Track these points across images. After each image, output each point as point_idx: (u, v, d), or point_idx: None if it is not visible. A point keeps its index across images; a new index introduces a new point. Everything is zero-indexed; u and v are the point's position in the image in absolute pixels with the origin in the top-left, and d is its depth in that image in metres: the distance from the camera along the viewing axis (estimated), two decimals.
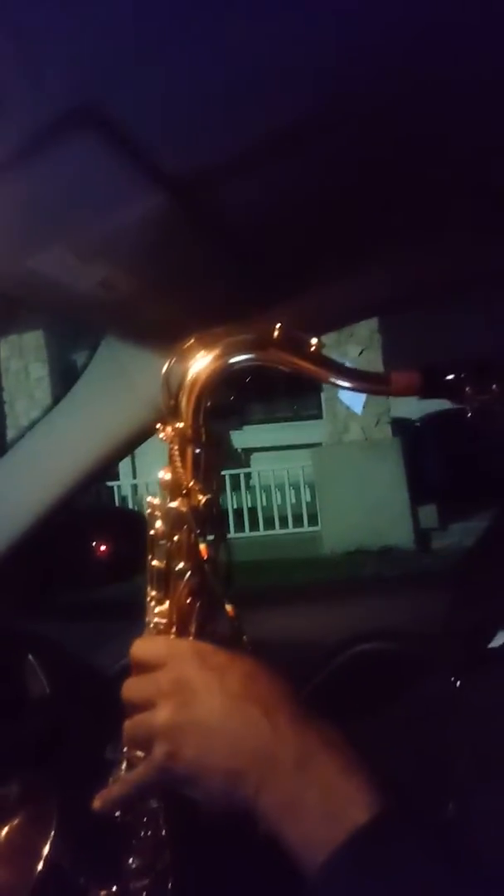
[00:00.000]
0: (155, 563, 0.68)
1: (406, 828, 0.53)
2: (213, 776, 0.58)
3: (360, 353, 8.20)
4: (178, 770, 0.59)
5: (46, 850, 0.69)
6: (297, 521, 8.84)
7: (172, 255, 0.74)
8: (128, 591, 1.46)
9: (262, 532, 8.76)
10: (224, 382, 0.69)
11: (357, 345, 8.05)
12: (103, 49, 0.45)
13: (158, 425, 0.68)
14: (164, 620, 0.67)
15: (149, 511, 0.67)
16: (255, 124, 0.56)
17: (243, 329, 0.67)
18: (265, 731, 0.57)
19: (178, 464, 0.67)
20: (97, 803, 0.64)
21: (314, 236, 0.78)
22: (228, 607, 0.66)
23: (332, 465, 8.34)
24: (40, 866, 0.68)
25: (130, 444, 1.09)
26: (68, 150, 0.52)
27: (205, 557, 0.66)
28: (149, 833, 0.68)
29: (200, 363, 0.66)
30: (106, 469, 1.14)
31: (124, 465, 9.39)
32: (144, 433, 1.06)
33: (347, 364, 0.68)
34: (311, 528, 8.62)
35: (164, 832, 0.68)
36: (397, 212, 0.78)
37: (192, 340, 0.67)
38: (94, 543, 1.34)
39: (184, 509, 0.66)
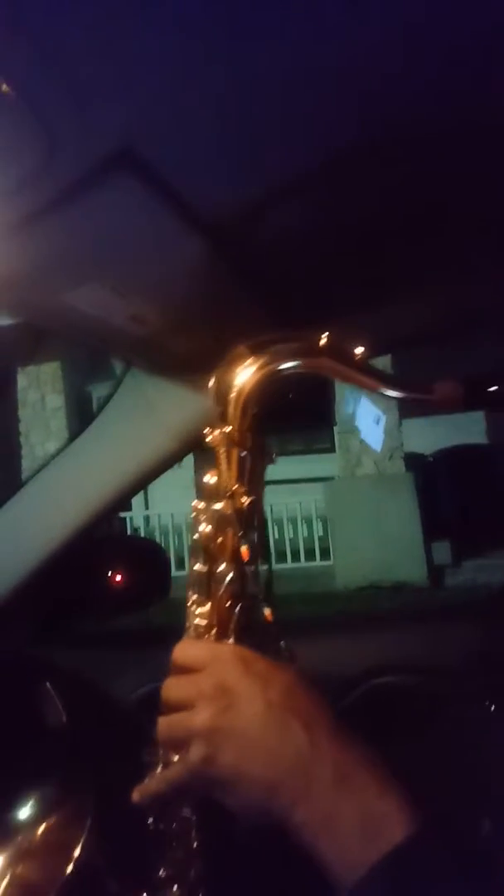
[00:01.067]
0: (197, 566, 0.69)
1: (443, 847, 0.53)
2: (250, 785, 0.58)
3: None
4: (213, 774, 0.59)
5: (78, 850, 0.69)
6: (310, 555, 8.78)
7: (200, 291, 0.76)
8: (143, 620, 1.47)
9: (273, 565, 8.68)
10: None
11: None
12: (143, 96, 0.48)
13: (206, 429, 0.69)
14: (204, 622, 0.68)
15: (193, 515, 0.69)
16: (283, 166, 0.59)
17: (291, 337, 0.69)
18: (304, 744, 0.57)
19: (224, 467, 0.68)
20: (136, 796, 0.65)
21: (336, 272, 0.80)
22: (267, 611, 0.67)
23: (345, 499, 8.31)
24: (70, 869, 0.68)
25: (152, 474, 1.11)
26: (107, 190, 0.55)
27: (246, 560, 0.67)
28: (181, 843, 0.68)
29: (249, 369, 0.68)
30: (127, 498, 1.16)
31: (137, 497, 9.40)
32: (166, 463, 1.08)
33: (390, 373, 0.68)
34: (323, 563, 8.56)
35: (196, 843, 0.68)
36: (418, 248, 0.80)
37: (242, 347, 0.69)
38: (110, 573, 1.35)
39: (228, 511, 0.67)
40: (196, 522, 0.69)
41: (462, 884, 0.51)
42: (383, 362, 8.10)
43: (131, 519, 9.75)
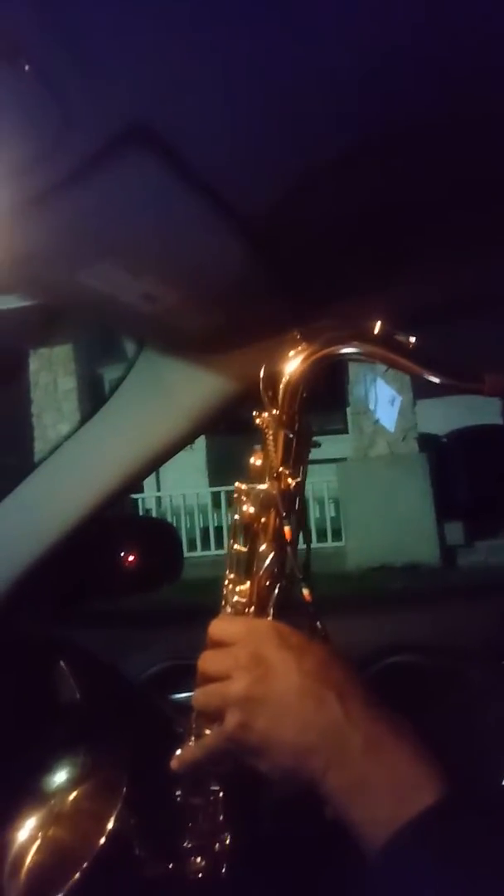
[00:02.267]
0: (237, 547, 0.71)
1: (472, 809, 0.54)
2: (283, 751, 0.60)
3: (387, 369, 8.18)
4: (249, 740, 0.61)
5: (112, 820, 0.71)
6: (322, 536, 8.80)
7: (214, 269, 0.76)
8: (155, 600, 1.48)
9: None
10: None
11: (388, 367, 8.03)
12: (159, 71, 0.47)
13: (255, 412, 0.71)
14: (243, 600, 0.70)
15: (235, 495, 0.71)
16: (301, 145, 0.58)
17: (344, 325, 0.70)
18: (338, 713, 0.59)
19: (272, 448, 0.70)
20: (174, 764, 0.67)
21: (351, 252, 0.80)
22: (305, 592, 0.68)
23: (358, 481, 8.31)
24: (105, 835, 0.70)
25: (165, 455, 1.11)
26: (121, 166, 0.54)
27: (288, 540, 0.68)
28: (207, 816, 0.70)
29: (301, 355, 0.69)
30: (140, 479, 1.16)
31: (149, 478, 9.44)
32: (179, 444, 1.08)
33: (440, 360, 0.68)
34: (335, 544, 8.58)
35: (222, 817, 0.70)
36: (431, 228, 0.79)
37: (295, 333, 0.70)
38: (122, 553, 1.36)
39: (273, 492, 0.68)
40: (238, 503, 0.70)
41: (493, 841, 0.52)
42: None
43: (143, 500, 9.81)
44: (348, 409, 9.29)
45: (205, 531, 9.36)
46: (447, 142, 0.60)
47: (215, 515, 9.36)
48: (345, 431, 9.81)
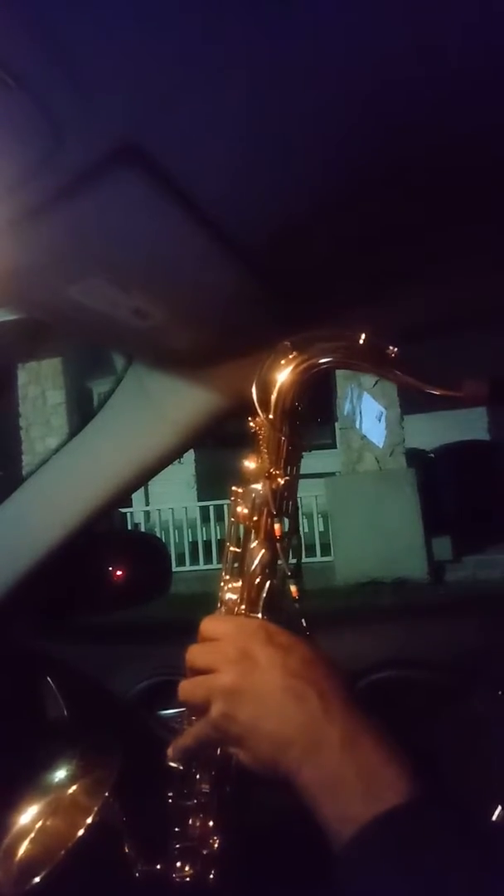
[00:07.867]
0: (232, 548, 0.74)
1: (441, 817, 0.55)
2: (263, 742, 0.62)
3: (375, 384, 8.23)
4: (231, 730, 0.64)
5: (97, 806, 0.73)
6: (310, 550, 8.77)
7: (204, 285, 0.77)
8: (143, 615, 1.47)
9: None
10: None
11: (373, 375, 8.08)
12: (149, 91, 0.48)
13: (249, 417, 0.74)
14: (234, 597, 0.72)
15: (232, 498, 0.74)
16: (289, 164, 0.59)
17: (332, 335, 0.73)
18: (317, 710, 0.61)
19: (264, 451, 0.73)
20: (169, 752, 0.70)
21: (340, 268, 0.80)
22: (293, 588, 0.71)
23: (346, 495, 8.31)
24: (90, 819, 0.72)
25: (153, 469, 1.11)
26: (111, 183, 0.55)
27: (278, 536, 0.71)
28: (198, 820, 0.72)
29: (292, 364, 0.73)
30: (129, 493, 1.16)
31: (137, 493, 9.41)
32: (168, 458, 1.08)
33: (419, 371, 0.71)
34: (323, 559, 8.57)
35: (212, 822, 0.72)
36: (421, 245, 0.80)
37: (287, 342, 0.74)
38: (111, 568, 1.35)
39: (264, 490, 0.71)
40: (234, 505, 0.74)
41: (458, 853, 0.52)
42: None
43: (132, 514, 9.77)
44: (336, 424, 9.31)
45: (193, 546, 9.33)
46: (445, 167, 0.61)
47: (204, 530, 9.34)
48: (333, 446, 9.83)
